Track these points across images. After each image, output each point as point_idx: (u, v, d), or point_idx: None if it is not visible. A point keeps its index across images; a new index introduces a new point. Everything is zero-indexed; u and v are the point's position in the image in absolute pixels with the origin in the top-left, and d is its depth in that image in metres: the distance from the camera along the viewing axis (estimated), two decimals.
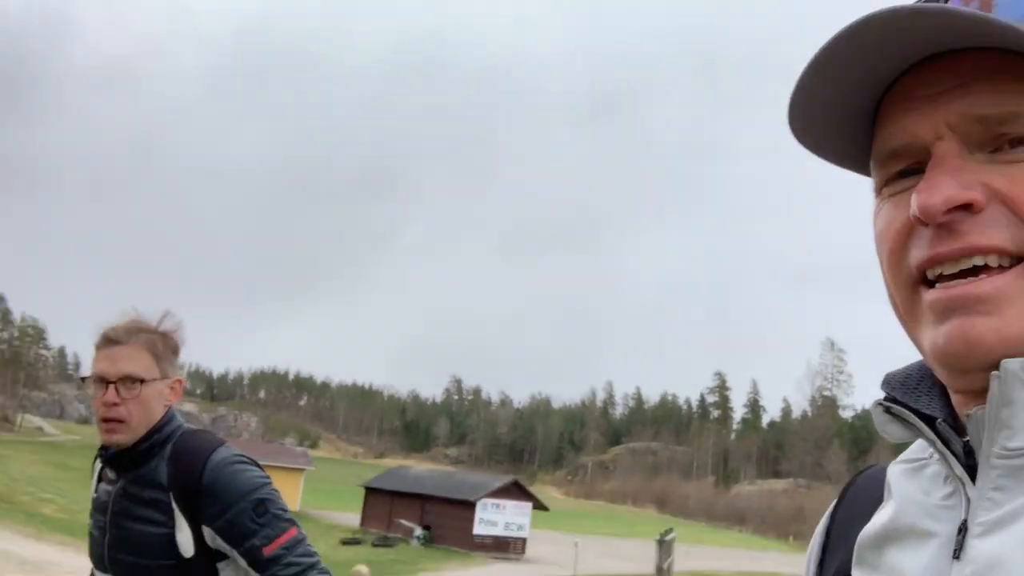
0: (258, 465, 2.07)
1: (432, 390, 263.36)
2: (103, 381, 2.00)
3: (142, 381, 1.99)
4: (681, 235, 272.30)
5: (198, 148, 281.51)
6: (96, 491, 2.14)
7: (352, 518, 49.05)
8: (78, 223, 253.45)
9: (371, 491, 47.77)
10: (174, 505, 1.96)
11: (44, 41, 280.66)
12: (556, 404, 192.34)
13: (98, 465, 2.18)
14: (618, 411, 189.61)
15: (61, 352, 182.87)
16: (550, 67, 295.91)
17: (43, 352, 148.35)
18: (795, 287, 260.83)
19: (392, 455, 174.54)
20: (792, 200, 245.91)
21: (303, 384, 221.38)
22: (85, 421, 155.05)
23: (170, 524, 1.96)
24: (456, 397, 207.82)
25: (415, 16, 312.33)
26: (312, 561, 2.03)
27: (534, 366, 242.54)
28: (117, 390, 1.98)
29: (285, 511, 2.01)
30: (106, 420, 1.99)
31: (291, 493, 46.72)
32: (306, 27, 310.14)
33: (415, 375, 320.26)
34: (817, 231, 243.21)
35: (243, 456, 2.07)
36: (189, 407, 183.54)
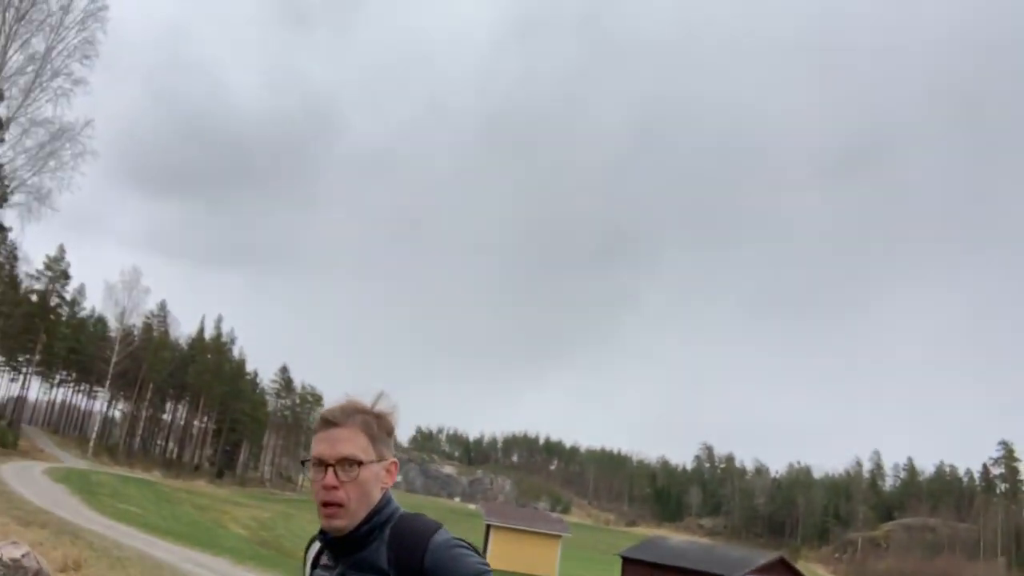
0: (477, 551, 1.96)
1: (682, 457, 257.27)
2: (322, 464, 1.95)
3: (360, 463, 1.93)
4: (951, 289, 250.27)
5: (451, 225, 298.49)
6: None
7: None
8: (348, 299, 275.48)
9: (628, 561, 46.95)
10: None
11: (315, 135, 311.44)
12: (817, 474, 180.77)
13: (313, 551, 2.13)
14: (888, 483, 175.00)
15: None
16: (791, 124, 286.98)
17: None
18: None
19: (644, 523, 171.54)
20: None
21: (553, 448, 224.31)
22: None
23: None
24: (708, 464, 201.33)
25: (652, 83, 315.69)
26: None
27: (791, 433, 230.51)
28: (336, 473, 1.92)
29: None
30: (325, 504, 1.93)
31: (549, 559, 47.00)
32: (547, 101, 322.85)
33: (664, 441, 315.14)
34: None
35: (463, 541, 1.96)
36: (448, 470, 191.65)
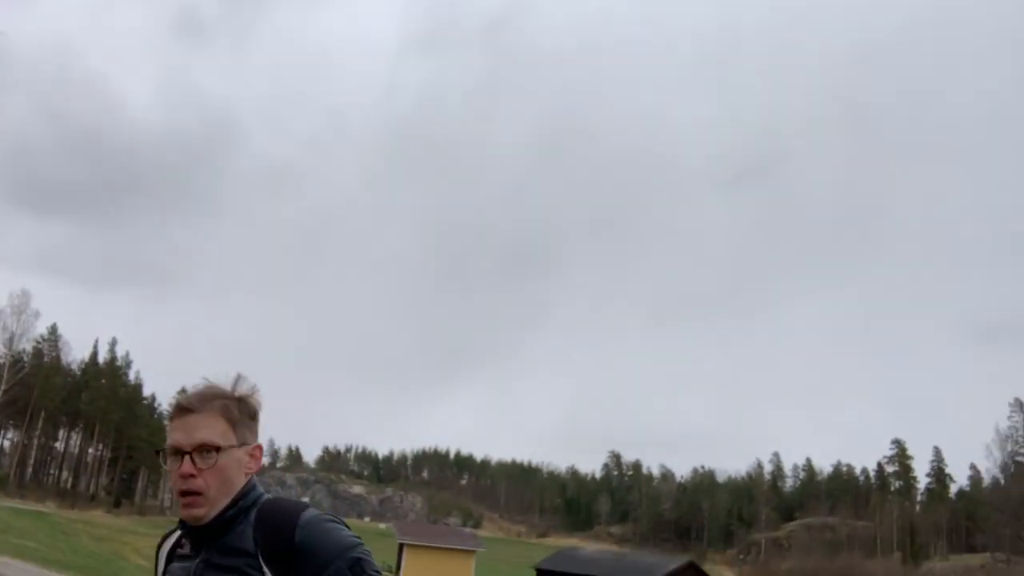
0: (346, 525, 1.93)
1: (591, 465, 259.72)
2: (178, 452, 1.87)
3: (218, 449, 1.86)
4: (844, 296, 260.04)
5: (355, 240, 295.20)
6: (166, 572, 1.99)
7: None
8: (250, 317, 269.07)
9: (543, 573, 47.28)
10: (265, 570, 1.83)
11: (214, 150, 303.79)
12: (720, 477, 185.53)
13: (168, 545, 2.05)
14: (788, 483, 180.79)
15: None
16: (692, 135, 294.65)
17: None
18: (976, 344, 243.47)
19: (555, 534, 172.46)
20: (967, 249, 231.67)
21: (464, 463, 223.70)
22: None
23: None
24: (616, 472, 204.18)
25: (555, 98, 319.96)
26: None
27: (695, 438, 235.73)
28: (193, 460, 1.85)
29: (380, 572, 1.89)
30: (183, 493, 1.86)
31: (463, 573, 46.86)
32: (453, 113, 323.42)
33: (573, 451, 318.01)
34: (998, 281, 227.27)
35: (333, 516, 1.93)
36: (357, 489, 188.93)
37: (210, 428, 1.85)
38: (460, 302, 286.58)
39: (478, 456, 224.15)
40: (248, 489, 1.91)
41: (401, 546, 48.18)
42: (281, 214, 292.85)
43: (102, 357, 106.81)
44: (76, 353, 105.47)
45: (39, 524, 52.11)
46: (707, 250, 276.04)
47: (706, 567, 52.08)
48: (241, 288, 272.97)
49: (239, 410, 1.91)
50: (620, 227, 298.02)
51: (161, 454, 1.90)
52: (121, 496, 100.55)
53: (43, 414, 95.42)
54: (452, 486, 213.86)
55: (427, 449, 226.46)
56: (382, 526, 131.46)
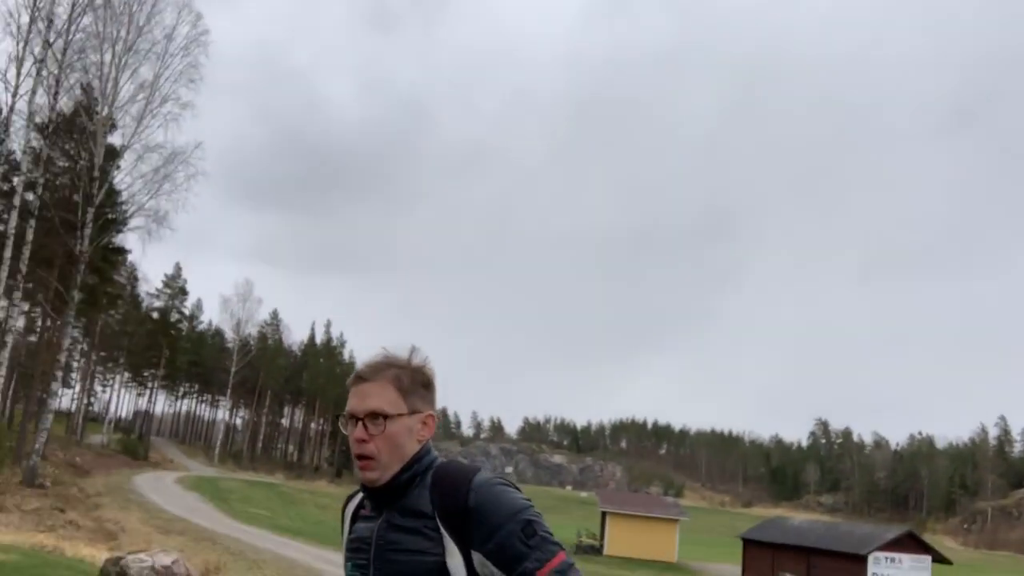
0: (518, 488, 1.98)
1: (796, 434, 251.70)
2: (353, 418, 1.99)
3: (386, 416, 1.95)
4: None
5: (545, 213, 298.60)
6: (352, 531, 2.10)
7: (730, 570, 47.80)
8: (449, 295, 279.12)
9: (750, 543, 46.32)
10: (442, 530, 1.89)
11: (409, 136, 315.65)
12: (940, 444, 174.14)
13: (352, 506, 2.17)
14: (1016, 449, 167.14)
15: (443, 413, 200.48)
16: (900, 75, 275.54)
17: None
18: None
19: (760, 503, 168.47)
20: None
21: (662, 432, 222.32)
22: None
23: (439, 550, 1.88)
24: (824, 440, 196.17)
25: (743, 52, 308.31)
26: None
27: (910, 403, 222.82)
28: (365, 426, 1.96)
29: (551, 534, 1.89)
30: (358, 457, 1.97)
31: (667, 544, 46.70)
32: (638, 79, 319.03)
33: (777, 419, 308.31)
34: None
35: (504, 478, 1.98)
36: (558, 458, 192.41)
37: (380, 396, 1.95)
38: (654, 269, 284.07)
39: (676, 425, 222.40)
40: (422, 454, 1.99)
41: (604, 514, 48.59)
42: (473, 193, 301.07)
43: (319, 338, 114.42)
44: (295, 335, 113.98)
45: (270, 494, 56.74)
46: (920, 201, 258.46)
47: (926, 537, 49.14)
48: (440, 267, 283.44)
49: (411, 379, 2.00)
50: (821, 181, 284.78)
51: (341, 419, 2.01)
52: (342, 467, 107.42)
53: (269, 393, 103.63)
54: (651, 455, 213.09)
55: (625, 419, 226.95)
56: (583, 494, 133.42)
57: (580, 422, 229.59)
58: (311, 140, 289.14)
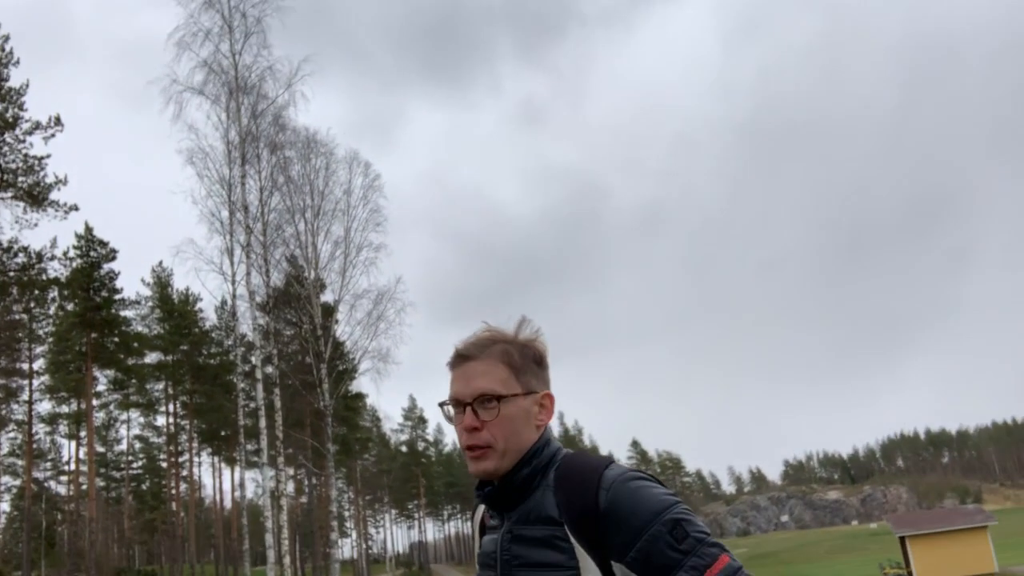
0: (660, 483, 1.57)
1: None
2: (459, 404, 1.66)
3: (500, 398, 1.62)
4: None
5: (742, 251, 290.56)
6: (480, 546, 1.76)
7: None
8: (665, 357, 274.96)
9: None
10: (572, 540, 1.54)
11: (585, 215, 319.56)
12: None
13: (478, 515, 1.84)
14: None
15: (699, 475, 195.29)
16: None
17: (685, 479, 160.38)
18: None
19: None
20: None
21: (938, 439, 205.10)
22: (745, 533, 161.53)
23: (572, 564, 1.53)
24: None
25: (905, 26, 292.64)
26: None
27: None
28: (475, 411, 1.63)
29: (708, 534, 1.48)
30: (470, 448, 1.64)
31: (983, 554, 42.45)
32: (800, 87, 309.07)
33: None
34: None
35: (642, 471, 1.59)
36: (833, 495, 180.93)
37: (490, 375, 1.64)
38: (869, 276, 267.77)
39: (952, 428, 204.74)
40: (542, 444, 1.66)
41: (903, 540, 44.90)
42: (662, 250, 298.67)
43: (556, 431, 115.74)
44: None
45: None
46: None
47: None
48: (649, 333, 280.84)
49: (521, 355, 1.67)
50: None
51: (444, 408, 1.70)
52: None
53: None
54: (934, 467, 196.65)
55: (893, 436, 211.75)
56: (873, 526, 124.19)
57: (846, 451, 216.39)
58: (496, 247, 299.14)
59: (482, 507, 1.82)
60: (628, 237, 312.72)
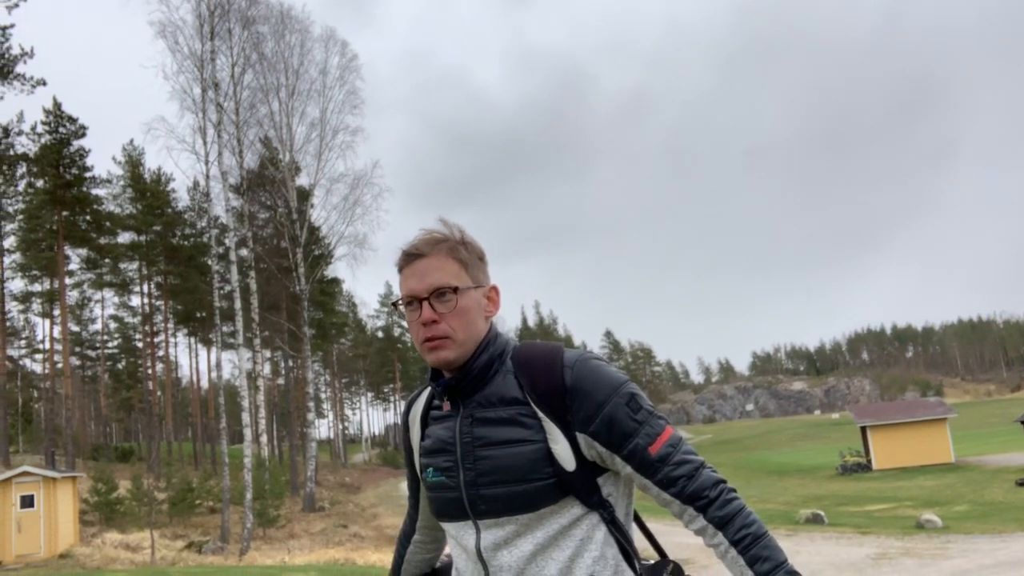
0: (606, 360, 1.73)
1: None
2: (415, 300, 1.72)
3: (455, 290, 1.71)
4: None
5: (727, 141, 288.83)
6: (425, 438, 1.83)
7: (1018, 458, 44.21)
8: (640, 250, 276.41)
9: None
10: (540, 414, 1.66)
11: (569, 101, 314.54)
12: None
13: (417, 408, 1.90)
14: None
15: (669, 365, 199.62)
16: None
17: (655, 368, 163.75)
18: None
19: None
20: None
21: (904, 335, 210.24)
22: (711, 421, 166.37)
23: (541, 436, 1.65)
24: None
25: None
26: (701, 459, 1.66)
27: None
28: (432, 305, 1.70)
29: (654, 407, 1.67)
30: (429, 340, 1.70)
31: (940, 445, 43.88)
32: None
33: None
34: None
35: (591, 352, 1.72)
36: (798, 385, 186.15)
37: (443, 270, 1.72)
38: (851, 170, 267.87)
39: (918, 324, 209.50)
40: (494, 333, 1.78)
41: (864, 430, 46.32)
42: (648, 137, 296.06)
43: (531, 321, 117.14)
44: (509, 323, 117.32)
45: None
46: None
47: None
48: (630, 222, 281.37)
49: (468, 251, 1.77)
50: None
51: (396, 307, 1.78)
52: None
53: None
54: (898, 362, 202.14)
55: (860, 331, 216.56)
56: (835, 415, 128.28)
57: (813, 344, 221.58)
58: (477, 133, 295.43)
59: (421, 399, 1.91)
60: (612, 125, 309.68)
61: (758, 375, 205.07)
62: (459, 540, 1.76)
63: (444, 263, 1.73)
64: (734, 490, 1.64)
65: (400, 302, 1.77)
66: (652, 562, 1.76)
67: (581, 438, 1.65)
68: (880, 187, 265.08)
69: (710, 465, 1.67)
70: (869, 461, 44.25)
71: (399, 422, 2.07)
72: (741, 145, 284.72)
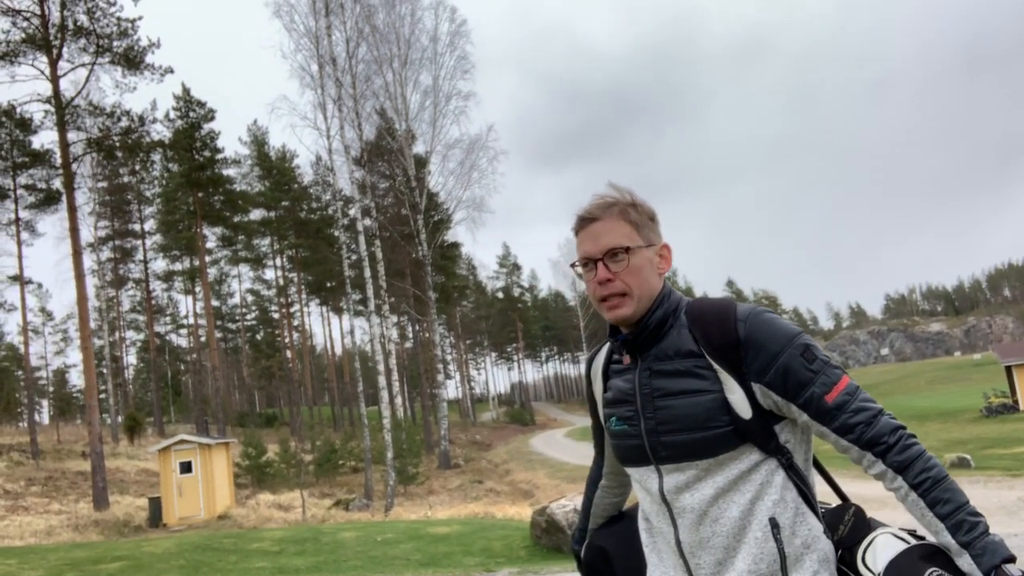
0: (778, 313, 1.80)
1: None
2: (590, 261, 1.85)
3: (627, 250, 1.82)
4: None
5: (852, 71, 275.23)
6: (607, 390, 1.96)
7: None
8: (765, 197, 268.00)
9: None
10: (715, 366, 1.75)
11: (681, 46, 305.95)
12: None
13: (598, 363, 2.03)
14: None
15: (795, 312, 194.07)
16: None
17: (782, 316, 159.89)
18: None
19: None
20: None
21: None
22: (844, 367, 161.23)
23: (718, 387, 1.75)
24: None
25: None
26: (879, 406, 1.70)
27: None
28: (606, 265, 1.83)
29: (830, 358, 1.74)
30: (605, 299, 1.84)
31: None
32: None
33: None
34: None
35: (764, 306, 1.81)
36: (936, 327, 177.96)
37: (615, 231, 1.83)
38: (982, 96, 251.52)
39: None
40: (667, 290, 1.89)
41: (1008, 369, 44.17)
42: (767, 77, 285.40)
43: None
44: None
45: None
46: None
47: None
48: (752, 167, 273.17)
49: (638, 213, 1.87)
50: None
51: (575, 268, 1.92)
52: None
53: None
54: None
55: (1000, 266, 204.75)
56: (976, 356, 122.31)
57: (950, 283, 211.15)
58: (586, 84, 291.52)
59: (602, 353, 2.05)
60: (726, 67, 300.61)
61: (892, 318, 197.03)
62: (643, 484, 1.89)
63: (616, 225, 1.84)
64: (914, 435, 1.71)
65: (577, 264, 1.91)
66: (834, 505, 1.87)
67: (757, 388, 1.74)
68: (1013, 112, 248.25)
69: (888, 412, 1.73)
70: (1016, 402, 42.24)
71: (582, 375, 2.28)
72: (867, 76, 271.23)
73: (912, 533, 1.73)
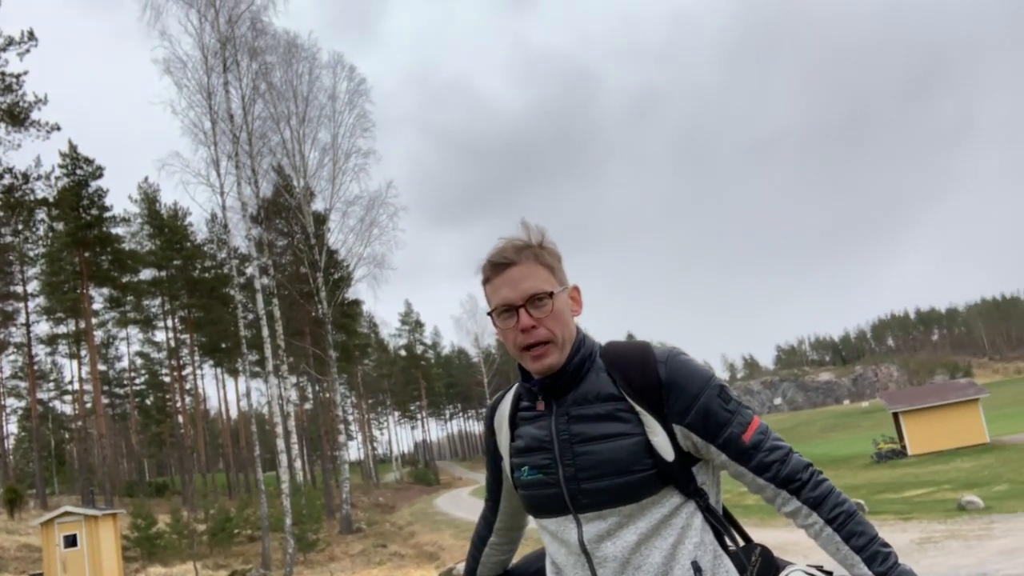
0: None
1: None
2: (511, 308, 1.74)
3: (550, 295, 1.74)
4: None
5: (734, 134, 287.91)
6: (515, 439, 1.87)
7: None
8: (659, 250, 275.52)
9: None
10: (638, 408, 1.72)
11: (577, 103, 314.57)
12: None
13: (503, 409, 1.93)
14: None
15: None
16: None
17: None
18: None
19: None
20: None
21: (928, 318, 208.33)
22: None
23: (640, 429, 1.71)
24: None
25: None
26: (789, 445, 1.73)
27: None
28: (528, 312, 1.73)
29: (740, 398, 1.75)
30: (530, 347, 1.73)
31: (974, 426, 43.47)
32: None
33: None
34: None
35: (676, 347, 1.81)
36: (825, 376, 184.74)
37: (534, 276, 1.74)
38: (864, 155, 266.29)
39: (941, 306, 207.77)
40: (583, 335, 1.82)
41: (895, 416, 45.99)
42: (658, 133, 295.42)
43: None
44: None
45: None
46: None
47: None
48: (646, 221, 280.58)
49: (550, 254, 1.80)
50: None
51: (492, 316, 1.80)
52: None
53: None
54: (924, 346, 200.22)
55: (883, 317, 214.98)
56: (864, 404, 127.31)
57: (837, 333, 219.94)
58: (486, 142, 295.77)
59: (506, 401, 1.94)
60: (622, 125, 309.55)
61: (784, 368, 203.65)
62: (558, 535, 1.78)
63: (534, 269, 1.75)
64: (821, 471, 1.71)
65: (492, 312, 1.79)
66: (742, 545, 1.82)
67: (678, 429, 1.71)
68: (894, 169, 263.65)
69: (796, 450, 1.73)
70: (903, 447, 43.89)
71: (482, 427, 2.15)
72: (753, 137, 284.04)
73: (820, 568, 1.71)
